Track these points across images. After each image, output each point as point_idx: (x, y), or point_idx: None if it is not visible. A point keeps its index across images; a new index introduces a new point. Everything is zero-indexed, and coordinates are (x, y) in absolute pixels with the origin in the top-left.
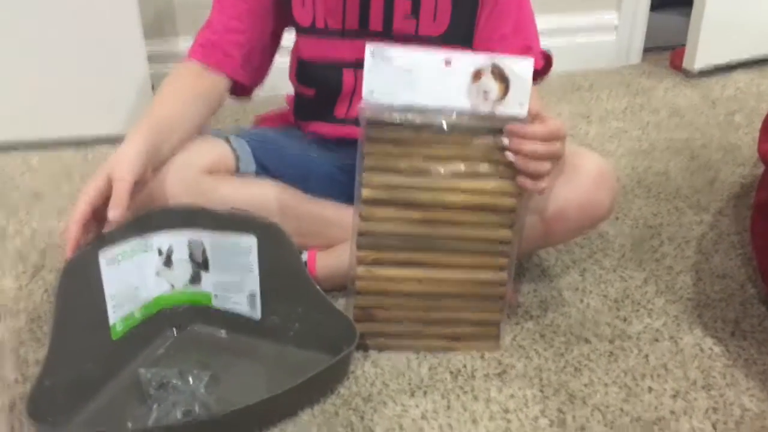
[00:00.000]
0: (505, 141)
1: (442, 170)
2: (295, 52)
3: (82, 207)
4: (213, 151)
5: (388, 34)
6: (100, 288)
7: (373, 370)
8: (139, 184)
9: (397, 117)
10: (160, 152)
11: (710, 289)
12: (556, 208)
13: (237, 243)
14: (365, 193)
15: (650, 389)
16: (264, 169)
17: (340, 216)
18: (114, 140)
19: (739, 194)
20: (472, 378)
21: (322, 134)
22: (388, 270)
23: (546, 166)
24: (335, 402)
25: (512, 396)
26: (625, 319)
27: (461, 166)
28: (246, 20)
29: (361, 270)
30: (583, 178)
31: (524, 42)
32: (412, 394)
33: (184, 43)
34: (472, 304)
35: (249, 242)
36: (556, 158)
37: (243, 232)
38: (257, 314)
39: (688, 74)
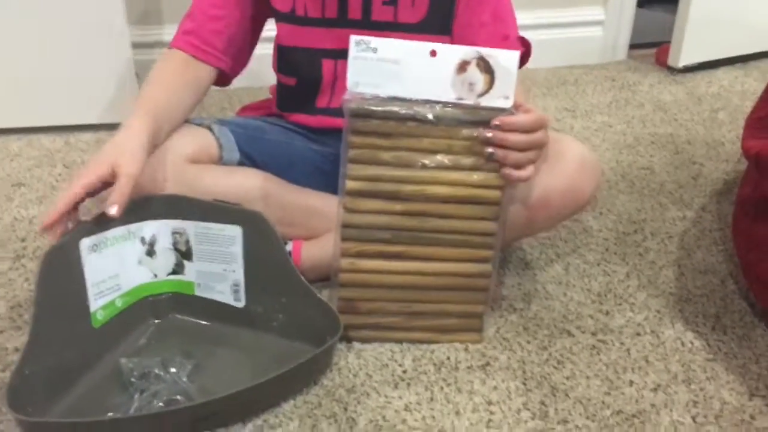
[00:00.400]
0: (488, 134)
1: (426, 162)
2: (276, 39)
3: (77, 190)
4: (196, 139)
5: (367, 23)
6: (82, 276)
7: (356, 361)
8: None
9: (381, 108)
10: (157, 141)
11: (692, 284)
12: (539, 195)
13: (222, 233)
14: (349, 184)
15: (631, 382)
16: (247, 158)
17: (324, 205)
18: (97, 128)
19: (722, 190)
20: (456, 370)
21: (305, 125)
22: (371, 262)
23: (529, 155)
24: (318, 393)
25: (495, 388)
26: (607, 313)
27: (446, 158)
28: (225, 6)
29: (344, 262)
30: (566, 165)
31: (504, 30)
32: (396, 386)
33: (169, 31)
34: (456, 296)
35: (234, 232)
36: (539, 147)
37: (228, 222)
38: (241, 304)
39: (673, 71)
